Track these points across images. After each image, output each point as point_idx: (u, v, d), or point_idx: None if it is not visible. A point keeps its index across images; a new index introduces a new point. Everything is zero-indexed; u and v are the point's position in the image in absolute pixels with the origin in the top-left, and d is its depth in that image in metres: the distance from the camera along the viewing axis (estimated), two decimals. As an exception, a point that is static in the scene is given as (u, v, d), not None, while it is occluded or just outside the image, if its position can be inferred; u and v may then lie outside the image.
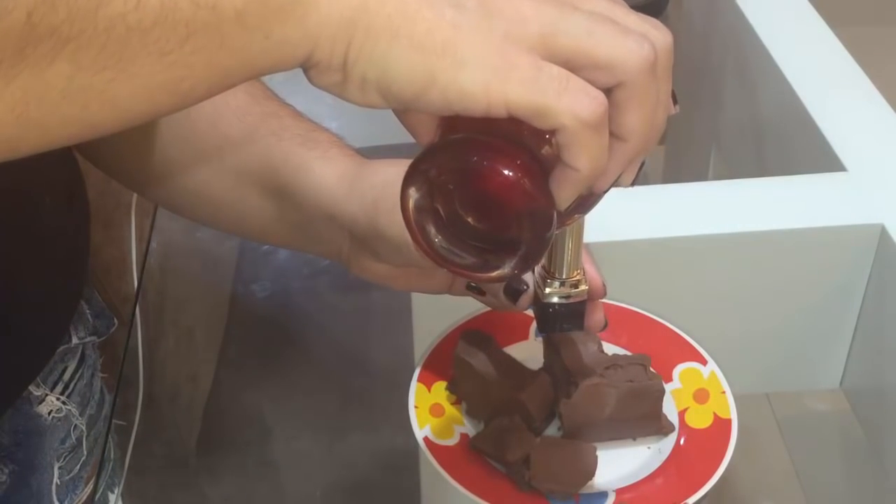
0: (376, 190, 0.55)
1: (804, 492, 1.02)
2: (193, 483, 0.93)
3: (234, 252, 1.09)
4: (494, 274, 0.43)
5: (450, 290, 0.59)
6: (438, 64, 0.37)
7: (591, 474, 0.56)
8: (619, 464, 0.58)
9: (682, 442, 0.59)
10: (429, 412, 0.59)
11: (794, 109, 0.84)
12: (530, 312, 0.56)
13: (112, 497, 0.76)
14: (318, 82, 0.39)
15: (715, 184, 0.96)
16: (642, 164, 0.43)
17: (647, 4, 1.16)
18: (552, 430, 0.60)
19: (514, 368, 0.61)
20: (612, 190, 0.43)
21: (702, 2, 1.12)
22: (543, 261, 0.51)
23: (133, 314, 0.97)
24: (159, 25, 0.34)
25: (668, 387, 0.60)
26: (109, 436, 0.74)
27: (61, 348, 0.65)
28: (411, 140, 0.43)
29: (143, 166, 0.61)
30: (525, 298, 0.55)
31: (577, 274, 0.51)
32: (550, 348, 0.60)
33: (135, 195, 1.19)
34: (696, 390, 0.61)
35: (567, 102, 0.37)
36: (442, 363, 0.61)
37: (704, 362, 0.62)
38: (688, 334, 0.64)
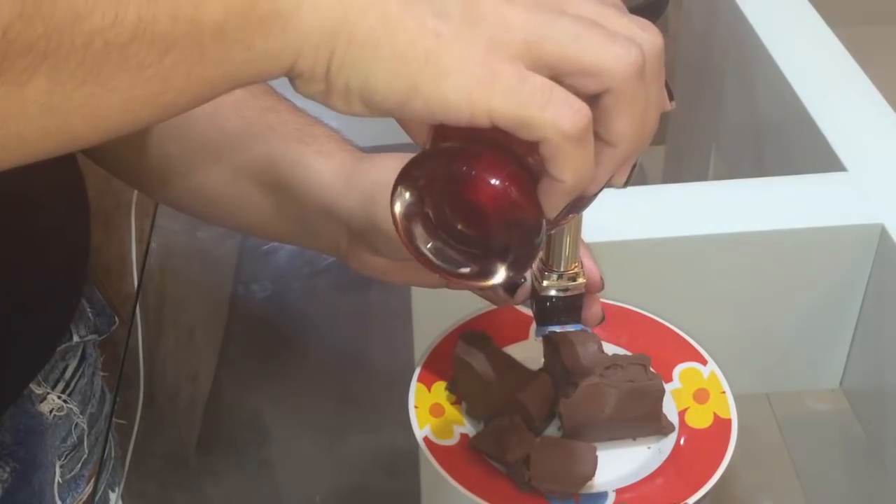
0: (373, 184, 0.55)
1: (804, 492, 1.02)
2: (193, 483, 0.93)
3: (234, 252, 1.09)
4: (487, 281, 0.43)
5: (448, 285, 0.59)
6: (421, 74, 0.37)
7: (591, 474, 0.56)
8: (619, 464, 0.58)
9: (682, 442, 0.59)
10: (429, 412, 0.59)
11: (794, 109, 0.84)
12: (526, 310, 0.56)
13: (112, 496, 0.76)
14: (302, 91, 0.39)
15: (715, 184, 0.96)
16: (635, 165, 0.43)
17: (647, 5, 1.16)
18: (552, 430, 0.60)
19: (514, 368, 0.61)
20: (607, 189, 0.43)
21: (702, 2, 1.12)
22: (541, 254, 0.52)
23: (133, 314, 0.97)
24: (137, 40, 0.34)
25: (668, 387, 0.60)
26: (110, 435, 0.74)
27: (62, 346, 0.65)
28: (411, 140, 0.43)
29: (141, 163, 0.61)
30: (522, 291, 0.56)
31: (575, 267, 0.51)
32: (550, 348, 0.60)
33: (135, 195, 1.19)
34: (696, 390, 0.61)
35: (550, 115, 0.37)
36: (442, 363, 0.61)
37: (704, 362, 0.62)
38: (688, 334, 0.64)
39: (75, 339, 0.66)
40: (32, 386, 0.63)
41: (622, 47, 0.38)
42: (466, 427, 0.59)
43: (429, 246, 0.42)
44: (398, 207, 0.41)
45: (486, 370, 0.60)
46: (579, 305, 0.52)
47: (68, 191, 0.64)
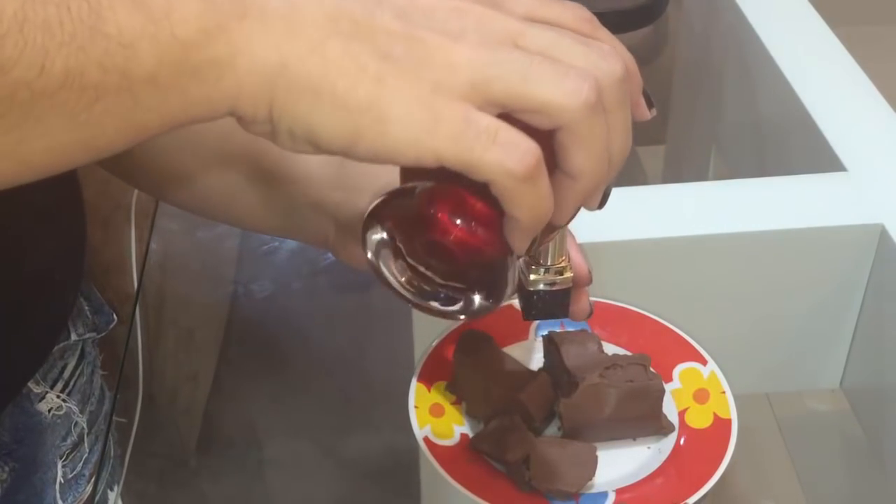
0: (360, 178, 0.54)
1: (804, 492, 1.02)
2: (193, 483, 0.93)
3: (234, 252, 1.09)
4: (462, 315, 0.43)
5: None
6: (362, 121, 0.36)
7: (591, 474, 0.56)
8: (619, 464, 0.58)
9: (682, 442, 0.59)
10: (429, 412, 0.59)
11: (794, 109, 0.84)
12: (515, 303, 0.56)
13: (111, 495, 0.76)
14: (248, 131, 0.38)
15: (715, 184, 0.96)
16: (609, 189, 0.42)
17: (647, 6, 1.16)
18: (552, 430, 0.60)
19: (514, 368, 0.61)
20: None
21: (702, 2, 1.12)
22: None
23: (133, 314, 0.97)
24: (66, 89, 0.33)
25: (668, 387, 0.60)
26: (110, 434, 0.74)
27: (61, 345, 0.65)
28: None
29: (129, 156, 0.61)
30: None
31: (563, 261, 0.50)
32: (550, 348, 0.60)
33: (135, 196, 1.19)
34: (696, 390, 0.61)
35: (494, 157, 0.36)
36: (442, 363, 0.61)
37: (704, 362, 0.62)
38: (688, 334, 0.64)
39: (73, 337, 0.66)
40: (31, 385, 0.63)
41: (573, 82, 0.37)
42: (466, 427, 0.59)
43: (403, 280, 0.42)
44: (369, 244, 0.41)
45: (486, 370, 0.60)
46: (567, 299, 0.52)
47: (62, 189, 0.64)
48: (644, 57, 1.21)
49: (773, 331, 0.77)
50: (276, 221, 0.61)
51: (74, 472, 0.69)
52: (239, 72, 0.35)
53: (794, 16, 0.95)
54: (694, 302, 0.74)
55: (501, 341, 0.62)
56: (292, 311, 1.06)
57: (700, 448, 0.58)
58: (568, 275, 0.51)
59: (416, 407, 0.59)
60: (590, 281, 0.55)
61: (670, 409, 0.60)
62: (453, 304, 0.42)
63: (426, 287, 0.42)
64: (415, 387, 0.60)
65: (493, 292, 0.42)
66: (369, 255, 0.41)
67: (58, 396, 0.65)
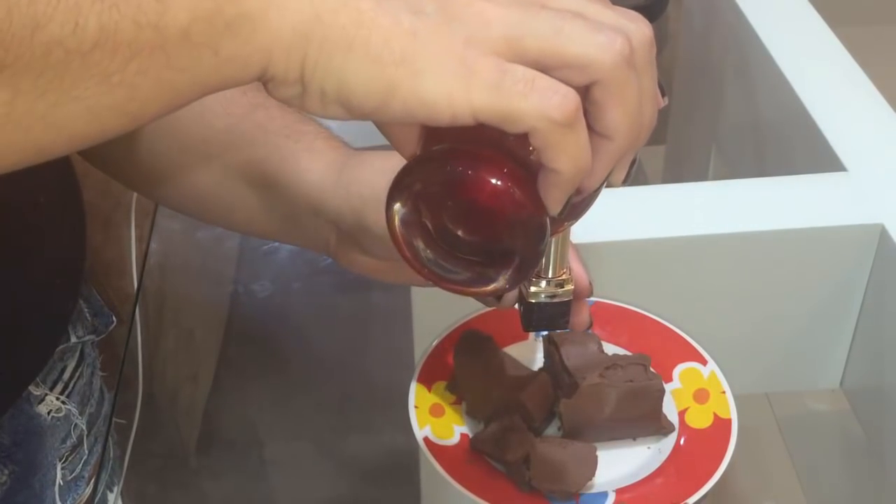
0: (363, 185, 0.54)
1: (804, 492, 1.02)
2: (193, 483, 0.93)
3: (234, 252, 1.09)
4: (489, 288, 0.41)
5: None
6: (397, 74, 0.35)
7: (591, 474, 0.56)
8: (619, 464, 0.58)
9: (682, 442, 0.59)
10: (429, 412, 0.59)
11: (794, 109, 0.84)
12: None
13: (111, 496, 0.76)
14: (276, 95, 0.38)
15: (715, 184, 0.96)
16: (634, 162, 0.42)
17: (647, 5, 1.16)
18: (552, 430, 0.60)
19: (514, 368, 0.61)
20: (607, 190, 0.42)
21: (702, 2, 1.12)
22: None
23: (133, 314, 0.97)
24: (99, 48, 0.33)
25: (668, 387, 0.60)
26: (109, 435, 0.74)
27: (60, 347, 0.65)
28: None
29: (131, 161, 0.61)
30: (510, 296, 0.55)
31: (564, 273, 0.50)
32: (550, 348, 0.60)
33: (135, 195, 1.19)
34: (696, 390, 0.61)
35: (534, 103, 0.36)
36: (442, 363, 0.61)
37: (704, 362, 0.62)
38: (688, 334, 0.64)
39: (73, 339, 0.66)
40: (31, 387, 0.63)
41: (607, 37, 0.37)
42: (466, 427, 0.59)
43: (428, 255, 0.41)
44: (395, 216, 0.40)
45: (486, 370, 0.60)
46: (567, 311, 0.51)
47: (62, 192, 0.64)
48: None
49: (773, 331, 0.77)
50: (277, 227, 0.61)
51: (74, 474, 0.69)
52: (272, 25, 0.35)
53: (794, 16, 0.95)
54: (694, 302, 0.74)
55: (502, 341, 0.62)
56: (292, 311, 1.06)
57: (700, 448, 0.58)
58: (569, 287, 0.50)
59: (416, 407, 0.59)
60: (590, 293, 0.55)
61: (670, 409, 0.60)
62: (480, 280, 0.41)
63: (453, 263, 0.41)
64: (415, 387, 0.60)
65: (523, 264, 0.40)
66: (396, 222, 0.40)
67: (57, 398, 0.65)
